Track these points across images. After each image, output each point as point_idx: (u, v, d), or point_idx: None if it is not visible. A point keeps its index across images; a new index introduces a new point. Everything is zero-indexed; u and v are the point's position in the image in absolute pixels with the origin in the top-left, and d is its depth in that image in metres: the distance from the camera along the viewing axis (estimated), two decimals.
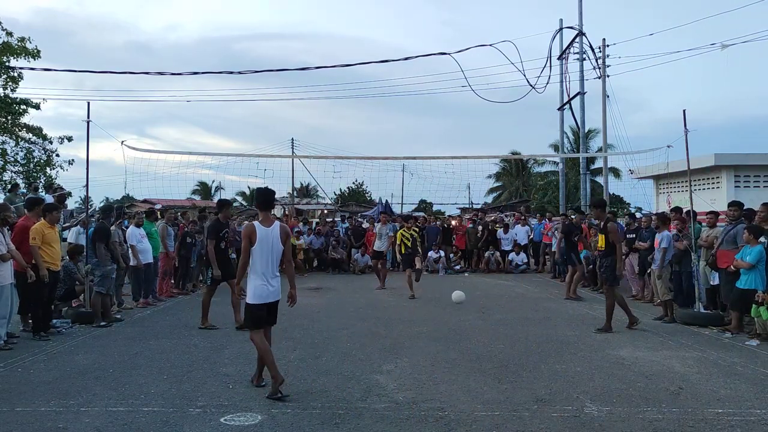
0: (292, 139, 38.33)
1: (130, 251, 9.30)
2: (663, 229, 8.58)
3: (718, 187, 18.08)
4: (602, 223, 7.67)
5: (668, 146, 10.66)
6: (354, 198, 44.52)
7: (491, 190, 43.68)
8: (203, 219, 12.36)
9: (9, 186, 15.00)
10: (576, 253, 11.29)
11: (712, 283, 8.29)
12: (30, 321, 7.18)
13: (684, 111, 8.68)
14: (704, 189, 18.24)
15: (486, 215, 19.47)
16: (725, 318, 7.73)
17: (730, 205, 8.05)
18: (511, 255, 15.84)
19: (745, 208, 8.29)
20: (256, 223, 4.87)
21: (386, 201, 24.64)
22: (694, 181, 15.81)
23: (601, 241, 7.73)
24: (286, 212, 16.27)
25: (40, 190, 12.93)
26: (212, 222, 7.76)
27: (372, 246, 14.39)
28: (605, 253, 7.58)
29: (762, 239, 6.90)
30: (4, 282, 6.46)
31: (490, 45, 14.09)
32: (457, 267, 15.96)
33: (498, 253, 15.96)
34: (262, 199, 5.02)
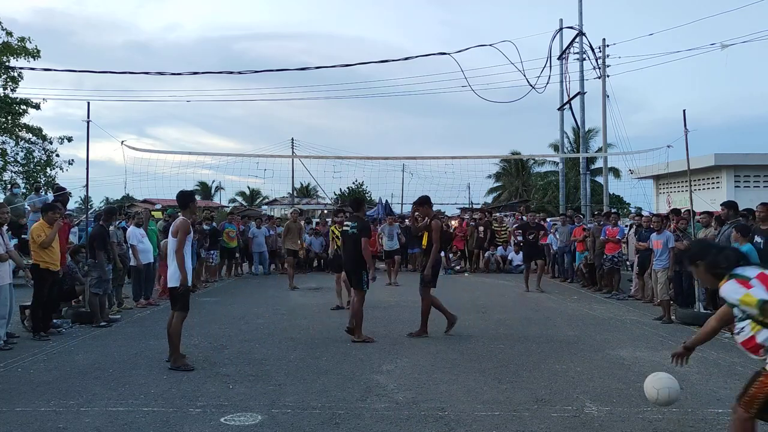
0: (292, 139, 38.29)
1: (130, 251, 9.29)
2: (664, 229, 8.59)
3: (718, 187, 18.09)
4: (429, 221, 7.27)
5: (668, 146, 10.70)
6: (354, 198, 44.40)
7: (491, 190, 43.68)
8: (211, 219, 12.49)
9: (9, 186, 15.04)
10: (533, 251, 11.55)
11: None
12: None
13: (684, 111, 8.73)
14: (704, 189, 18.25)
15: (485, 215, 19.46)
16: None
17: (722, 205, 8.04)
18: (511, 255, 15.85)
19: (744, 208, 8.30)
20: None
21: (386, 201, 24.62)
22: (694, 181, 15.82)
23: (424, 239, 7.30)
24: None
25: (41, 190, 12.92)
26: (360, 221, 7.03)
27: (377, 246, 14.47)
28: (425, 251, 7.28)
29: (757, 239, 6.90)
30: (3, 282, 6.45)
31: (490, 45, 14.11)
32: (457, 267, 15.95)
33: (497, 254, 15.95)
34: (179, 200, 5.95)
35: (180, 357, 5.53)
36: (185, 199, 5.90)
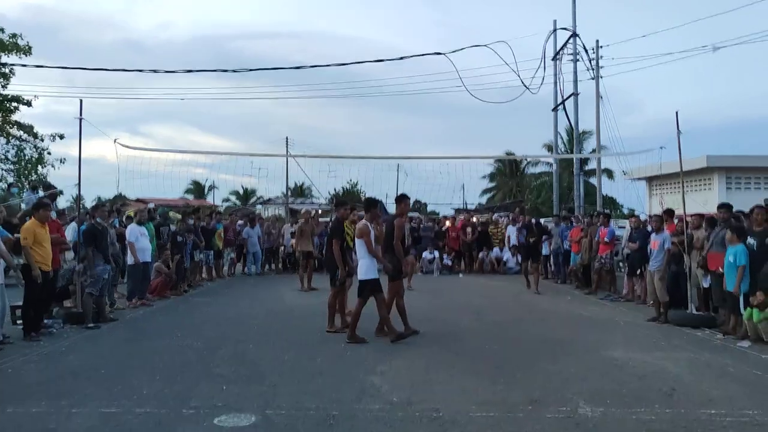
0: (287, 138, 38.13)
1: (128, 250, 9.22)
2: (661, 230, 8.64)
3: (710, 189, 18.22)
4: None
5: (661, 147, 10.74)
6: (348, 198, 44.43)
7: (485, 191, 43.77)
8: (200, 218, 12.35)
9: (8, 185, 14.89)
10: (531, 253, 11.78)
11: (703, 285, 8.33)
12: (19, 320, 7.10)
13: (677, 112, 8.75)
14: (696, 190, 18.37)
15: (477, 216, 19.47)
16: (717, 320, 7.79)
17: (719, 207, 8.08)
18: (506, 256, 15.86)
19: (736, 210, 8.34)
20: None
21: (380, 201, 24.59)
22: (687, 182, 15.92)
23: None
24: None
25: (38, 188, 12.79)
26: (335, 222, 7.66)
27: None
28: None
29: (750, 240, 6.95)
30: None
31: (485, 45, 14.08)
32: (449, 263, 15.93)
33: (491, 255, 15.95)
34: (364, 205, 7.37)
35: (353, 333, 6.71)
36: (368, 204, 7.27)
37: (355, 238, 6.88)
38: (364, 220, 6.95)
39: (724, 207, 7.97)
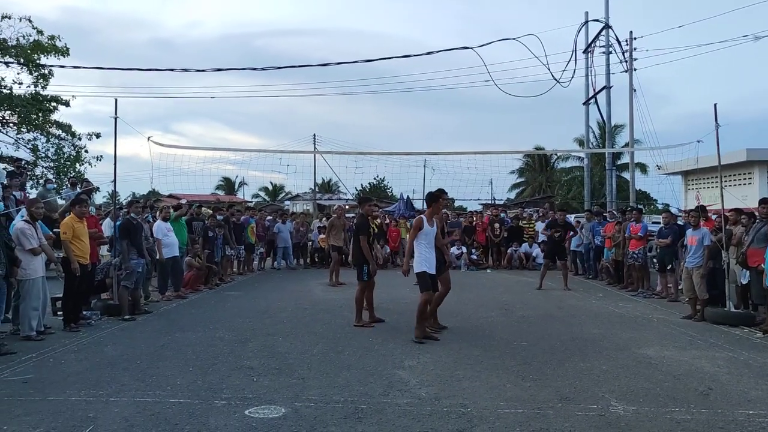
0: (314, 135, 38.48)
1: (156, 245, 9.45)
2: (700, 226, 8.37)
3: (750, 183, 17.58)
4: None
5: (698, 141, 10.41)
6: (375, 194, 44.52)
7: (514, 186, 43.22)
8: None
9: (44, 181, 15.46)
10: (557, 250, 11.77)
11: (742, 282, 8.05)
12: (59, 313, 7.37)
13: (715, 105, 8.45)
14: (735, 185, 17.74)
15: (506, 211, 19.22)
16: (757, 317, 7.52)
17: (760, 202, 7.81)
18: (536, 252, 15.64)
19: None
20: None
21: (407, 197, 24.53)
22: (725, 177, 15.36)
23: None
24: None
25: (78, 185, 13.24)
26: (360, 218, 7.82)
27: (396, 241, 14.59)
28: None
29: None
30: (36, 275, 6.66)
31: (514, 39, 13.94)
32: (475, 258, 15.79)
33: (520, 250, 15.74)
34: (425, 199, 7.19)
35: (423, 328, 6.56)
36: (429, 198, 6.96)
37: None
38: (421, 215, 6.92)
39: (766, 202, 7.69)
